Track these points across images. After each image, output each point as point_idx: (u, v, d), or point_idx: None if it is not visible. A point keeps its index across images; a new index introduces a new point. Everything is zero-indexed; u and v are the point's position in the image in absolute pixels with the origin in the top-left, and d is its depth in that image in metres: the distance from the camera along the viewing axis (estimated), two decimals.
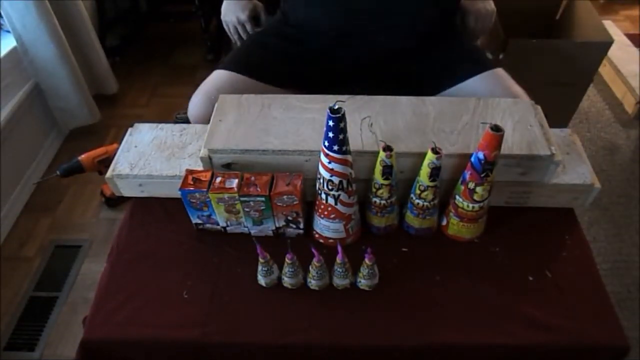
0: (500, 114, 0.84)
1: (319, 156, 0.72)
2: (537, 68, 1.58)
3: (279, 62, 1.07)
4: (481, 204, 0.77)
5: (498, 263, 0.81)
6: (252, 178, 0.77)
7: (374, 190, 0.78)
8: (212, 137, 0.81)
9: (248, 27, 1.17)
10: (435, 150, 0.71)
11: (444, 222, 0.84)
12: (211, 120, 0.84)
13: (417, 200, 0.78)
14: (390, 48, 1.05)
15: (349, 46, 1.05)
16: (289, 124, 0.83)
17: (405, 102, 0.87)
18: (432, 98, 0.88)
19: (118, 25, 2.47)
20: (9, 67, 1.70)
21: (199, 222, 0.84)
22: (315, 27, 1.06)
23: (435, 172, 0.73)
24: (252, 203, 0.77)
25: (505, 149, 0.73)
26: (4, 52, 1.69)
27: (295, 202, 0.76)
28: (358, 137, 0.79)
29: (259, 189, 0.76)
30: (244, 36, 1.19)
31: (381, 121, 0.83)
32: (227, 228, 0.84)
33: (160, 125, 0.94)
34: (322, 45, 1.07)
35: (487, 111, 0.85)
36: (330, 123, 0.66)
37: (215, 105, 0.87)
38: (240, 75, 1.02)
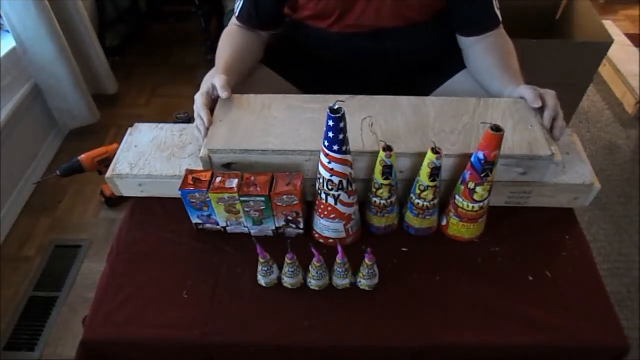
0: (500, 114, 0.84)
1: (319, 156, 0.72)
2: (537, 68, 1.58)
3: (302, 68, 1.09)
4: (481, 204, 0.77)
5: (498, 263, 0.81)
6: (252, 178, 0.77)
7: (374, 190, 0.78)
8: (212, 137, 0.81)
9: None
10: (435, 150, 0.71)
11: (444, 222, 0.84)
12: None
13: (417, 200, 0.78)
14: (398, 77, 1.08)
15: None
16: (289, 124, 0.83)
17: (405, 102, 0.87)
18: (432, 98, 0.88)
19: (118, 25, 2.47)
20: (9, 67, 1.70)
21: (199, 222, 0.84)
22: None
23: (435, 172, 0.73)
24: (252, 203, 0.77)
25: (505, 149, 0.73)
26: (3, 52, 1.69)
27: (295, 202, 0.76)
28: (358, 137, 0.79)
29: (259, 189, 0.76)
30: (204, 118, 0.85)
31: (381, 121, 0.83)
32: (227, 228, 0.84)
33: (160, 125, 0.94)
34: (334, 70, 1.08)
35: (488, 111, 0.85)
36: (330, 123, 0.66)
37: (217, 105, 0.87)
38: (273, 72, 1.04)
